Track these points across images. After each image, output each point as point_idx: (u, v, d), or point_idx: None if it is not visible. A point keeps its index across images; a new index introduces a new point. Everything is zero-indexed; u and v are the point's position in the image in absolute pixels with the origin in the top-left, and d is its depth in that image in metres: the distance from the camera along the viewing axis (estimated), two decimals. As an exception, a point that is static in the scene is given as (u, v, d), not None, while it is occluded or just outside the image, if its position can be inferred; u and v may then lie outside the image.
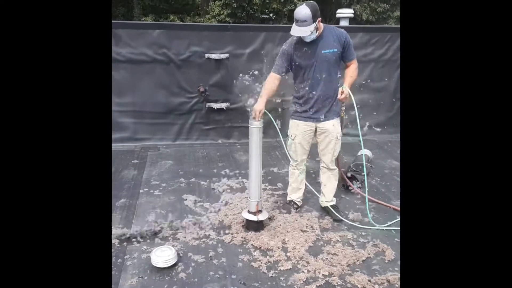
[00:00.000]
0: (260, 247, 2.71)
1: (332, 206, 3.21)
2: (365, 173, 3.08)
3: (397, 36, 5.11)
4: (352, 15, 6.02)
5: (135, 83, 4.74)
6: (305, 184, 3.26)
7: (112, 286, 2.30)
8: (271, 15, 13.69)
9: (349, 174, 3.67)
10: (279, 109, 4.62)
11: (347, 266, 2.54)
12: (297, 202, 3.25)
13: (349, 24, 5.98)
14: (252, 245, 2.74)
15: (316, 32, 2.74)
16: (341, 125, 3.05)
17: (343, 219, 3.07)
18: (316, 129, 3.01)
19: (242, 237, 2.81)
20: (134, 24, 5.58)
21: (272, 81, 2.89)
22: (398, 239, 2.85)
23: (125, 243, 2.74)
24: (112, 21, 4.37)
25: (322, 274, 2.45)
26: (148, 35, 4.61)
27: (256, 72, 4.69)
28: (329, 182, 3.18)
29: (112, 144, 4.36)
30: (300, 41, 2.81)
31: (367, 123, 5.34)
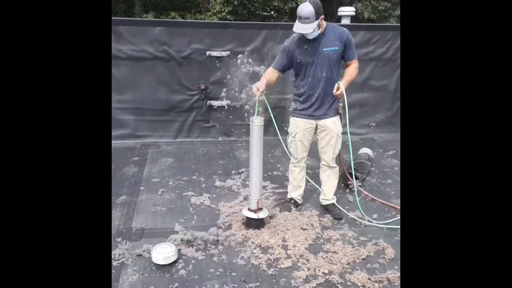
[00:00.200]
0: (260, 245, 2.72)
1: (332, 204, 3.21)
2: (352, 162, 3.07)
3: (398, 35, 5.10)
4: (354, 13, 6.03)
5: (136, 80, 4.73)
6: (306, 181, 3.27)
7: (113, 283, 2.30)
8: (272, 12, 13.69)
9: (350, 171, 3.67)
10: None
11: (347, 264, 2.55)
12: (297, 200, 3.25)
13: (351, 22, 5.98)
14: (252, 242, 2.74)
15: (319, 29, 2.74)
16: (341, 122, 3.05)
17: (347, 215, 3.08)
18: (316, 126, 3.01)
19: (242, 235, 2.82)
20: (135, 21, 5.55)
21: (271, 72, 2.92)
22: (398, 238, 2.85)
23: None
24: (113, 18, 4.38)
25: (322, 272, 2.46)
26: (149, 32, 4.61)
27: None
28: (329, 180, 3.18)
29: (113, 141, 4.36)
30: (302, 38, 2.81)
31: (372, 124, 5.34)
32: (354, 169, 3.74)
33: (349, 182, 3.65)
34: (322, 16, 2.71)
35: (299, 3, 11.87)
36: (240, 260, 2.57)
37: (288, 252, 2.65)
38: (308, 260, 2.57)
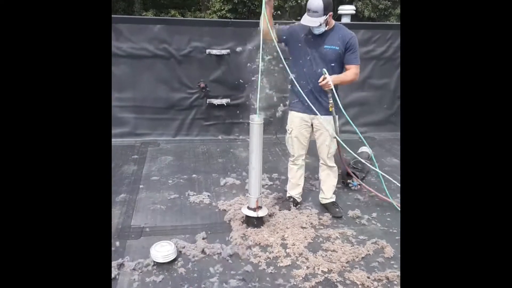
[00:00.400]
0: (259, 243, 2.72)
1: (331, 203, 3.22)
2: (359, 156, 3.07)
3: (398, 34, 5.09)
4: (354, 12, 6.01)
5: (136, 78, 4.73)
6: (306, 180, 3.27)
7: (112, 281, 2.30)
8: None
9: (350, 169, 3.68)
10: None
11: (346, 262, 2.55)
12: (296, 199, 3.25)
13: (351, 20, 5.97)
14: (251, 241, 2.74)
15: (326, 26, 2.74)
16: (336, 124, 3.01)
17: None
18: (312, 125, 3.01)
19: (241, 233, 2.81)
20: (134, 19, 5.56)
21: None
22: (397, 237, 2.86)
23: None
24: (113, 15, 4.36)
25: (321, 271, 2.46)
26: (148, 30, 4.60)
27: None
28: (328, 179, 3.18)
29: (112, 139, 4.36)
30: (309, 29, 2.81)
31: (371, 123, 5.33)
32: (353, 167, 3.76)
33: (348, 181, 3.65)
34: (331, 13, 2.70)
35: (299, 1, 11.88)
36: (239, 258, 2.57)
37: (288, 250, 2.65)
38: (307, 259, 2.57)
